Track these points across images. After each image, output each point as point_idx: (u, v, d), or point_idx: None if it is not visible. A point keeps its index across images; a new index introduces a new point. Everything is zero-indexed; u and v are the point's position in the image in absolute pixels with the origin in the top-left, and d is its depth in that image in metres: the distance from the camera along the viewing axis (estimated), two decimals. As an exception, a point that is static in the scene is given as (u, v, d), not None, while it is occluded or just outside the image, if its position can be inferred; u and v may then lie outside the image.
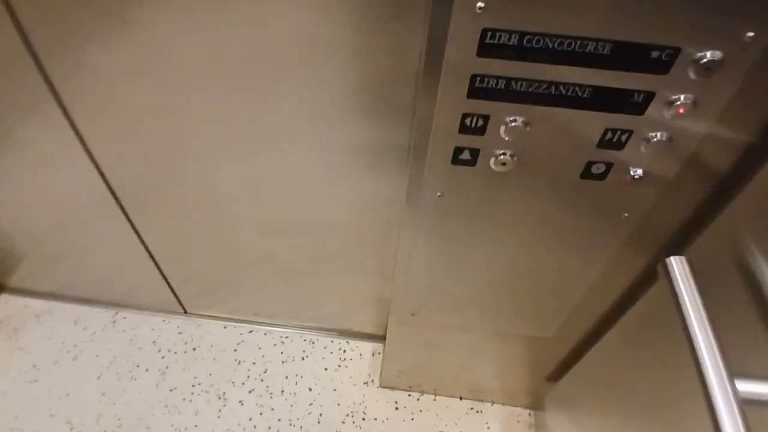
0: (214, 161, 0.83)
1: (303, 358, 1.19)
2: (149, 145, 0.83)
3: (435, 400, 1.14)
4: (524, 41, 0.47)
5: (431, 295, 0.84)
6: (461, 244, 0.72)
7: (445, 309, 0.88)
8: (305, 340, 1.22)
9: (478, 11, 0.45)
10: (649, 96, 0.50)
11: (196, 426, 1.07)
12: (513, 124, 0.54)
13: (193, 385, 1.13)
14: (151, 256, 1.07)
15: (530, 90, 0.51)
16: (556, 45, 0.47)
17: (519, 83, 0.50)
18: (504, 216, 0.66)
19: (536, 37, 0.47)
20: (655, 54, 0.47)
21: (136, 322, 1.22)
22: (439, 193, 0.64)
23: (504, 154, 0.57)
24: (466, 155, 0.59)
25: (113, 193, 0.93)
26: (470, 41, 0.48)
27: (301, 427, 1.08)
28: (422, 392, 1.16)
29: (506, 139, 0.56)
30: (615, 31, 0.46)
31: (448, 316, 0.90)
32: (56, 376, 1.12)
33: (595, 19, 0.45)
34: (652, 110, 0.51)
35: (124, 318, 1.23)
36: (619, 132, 0.54)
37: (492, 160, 0.58)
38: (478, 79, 0.51)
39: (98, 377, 1.12)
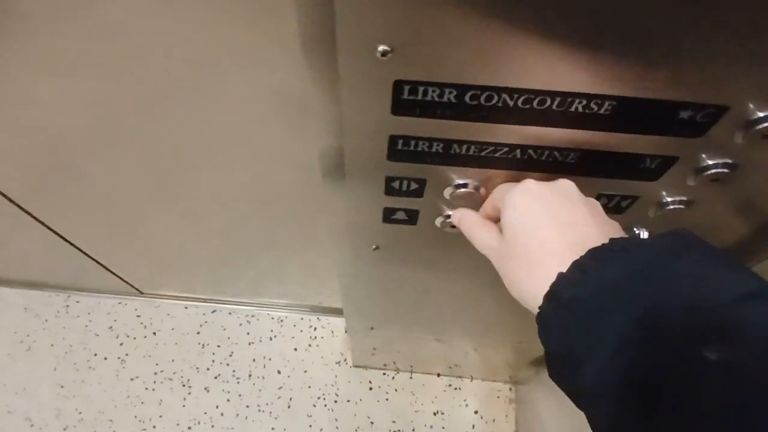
0: (113, 144, 0.65)
1: (271, 339, 1.11)
2: (36, 151, 0.66)
3: (411, 378, 1.09)
4: (466, 97, 0.28)
5: (388, 316, 0.72)
6: (410, 286, 0.58)
7: (407, 326, 0.76)
8: (273, 319, 1.13)
9: (381, 57, 0.26)
10: (669, 161, 0.32)
11: (160, 416, 1.03)
12: (461, 190, 0.36)
13: (155, 373, 1.07)
14: (84, 252, 0.94)
15: (483, 154, 0.33)
16: (520, 103, 0.28)
17: (464, 146, 0.32)
18: (460, 263, 0.51)
19: (487, 93, 0.28)
20: (685, 115, 0.28)
21: (90, 305, 1.14)
22: (374, 246, 0.48)
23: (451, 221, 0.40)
24: (401, 215, 0.42)
25: (17, 205, 0.78)
26: (377, 95, 0.29)
27: (270, 412, 1.04)
28: (398, 370, 1.10)
29: (453, 203, 0.38)
30: (620, 86, 0.27)
31: (412, 332, 0.79)
32: (11, 370, 1.06)
33: (585, 73, 0.26)
34: (671, 176, 0.33)
35: (77, 302, 1.14)
36: (618, 198, 0.36)
37: (438, 220, 0.42)
38: (401, 141, 0.32)
39: (54, 369, 1.07)
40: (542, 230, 0.28)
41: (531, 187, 0.30)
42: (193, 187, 0.75)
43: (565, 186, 0.30)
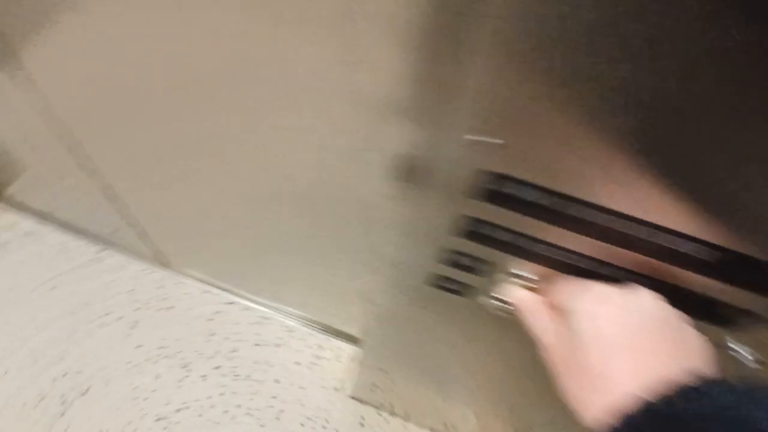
0: (190, 109, 0.64)
1: (277, 345, 1.10)
2: (112, 94, 0.66)
3: (405, 426, 1.05)
4: (564, 208, 0.26)
5: (401, 360, 0.70)
6: (437, 341, 0.55)
7: (418, 375, 0.74)
8: (283, 327, 1.12)
9: (472, 146, 0.24)
10: (760, 319, 0.29)
11: (153, 390, 1.03)
12: (516, 279, 0.34)
13: (159, 347, 1.08)
14: (127, 209, 0.96)
15: (556, 257, 0.31)
16: (625, 229, 0.26)
17: (538, 245, 0.30)
18: (499, 342, 0.48)
19: (588, 210, 0.26)
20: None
21: (119, 264, 1.16)
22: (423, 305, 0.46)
23: (508, 302, 0.38)
24: (450, 284, 0.40)
25: (79, 144, 0.80)
26: (456, 176, 0.27)
27: (258, 418, 1.03)
28: (393, 413, 1.06)
29: (502, 288, 0.36)
30: (734, 241, 0.24)
31: (420, 382, 0.76)
32: (29, 305, 1.10)
33: (701, 217, 0.24)
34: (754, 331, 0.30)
35: (109, 257, 1.17)
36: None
37: (491, 302, 0.39)
38: (472, 221, 0.31)
39: (71, 313, 1.09)
40: (616, 359, 0.26)
41: (608, 296, 0.28)
42: (255, 171, 0.73)
43: (644, 301, 0.27)
